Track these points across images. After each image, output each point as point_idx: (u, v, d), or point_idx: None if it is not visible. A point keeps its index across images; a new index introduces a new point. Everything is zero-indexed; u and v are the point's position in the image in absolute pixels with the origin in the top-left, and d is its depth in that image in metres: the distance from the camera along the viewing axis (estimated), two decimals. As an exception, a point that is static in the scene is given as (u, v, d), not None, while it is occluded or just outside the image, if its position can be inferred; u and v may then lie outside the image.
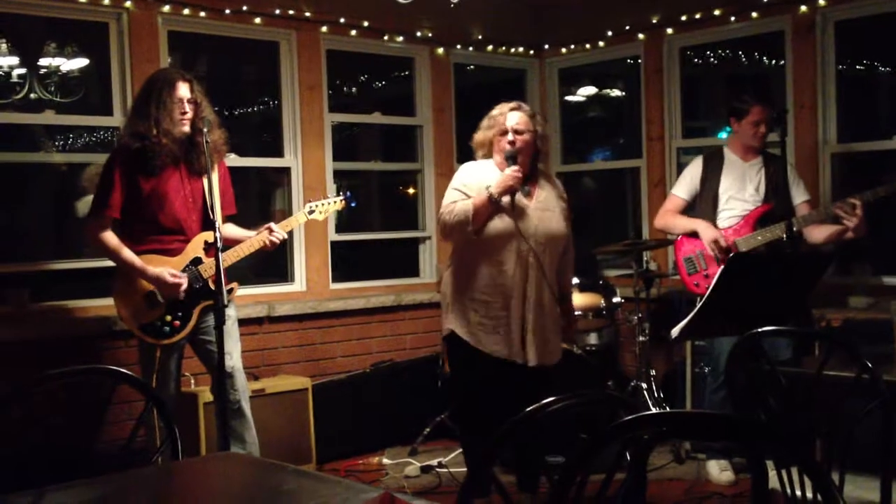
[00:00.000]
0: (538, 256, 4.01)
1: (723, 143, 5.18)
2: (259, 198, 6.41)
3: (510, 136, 4.01)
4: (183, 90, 4.03)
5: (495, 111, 4.12)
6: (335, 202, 4.43)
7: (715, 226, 4.80)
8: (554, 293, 4.11)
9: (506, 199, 3.94)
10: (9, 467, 2.33)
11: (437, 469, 5.11)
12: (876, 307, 4.95)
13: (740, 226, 4.78)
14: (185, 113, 4.02)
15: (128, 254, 4.03)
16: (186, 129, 4.01)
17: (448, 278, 4.18)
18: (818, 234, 4.68)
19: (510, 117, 4.05)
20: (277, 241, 4.20)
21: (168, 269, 4.03)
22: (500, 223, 3.98)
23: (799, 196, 4.81)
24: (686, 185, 5.00)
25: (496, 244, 3.99)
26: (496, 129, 4.07)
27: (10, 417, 2.39)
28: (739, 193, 4.83)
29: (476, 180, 4.05)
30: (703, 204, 4.91)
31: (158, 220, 4.06)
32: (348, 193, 4.50)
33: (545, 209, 4.08)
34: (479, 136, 4.16)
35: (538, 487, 4.22)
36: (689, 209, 5.00)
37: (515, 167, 3.95)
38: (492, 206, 3.94)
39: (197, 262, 4.11)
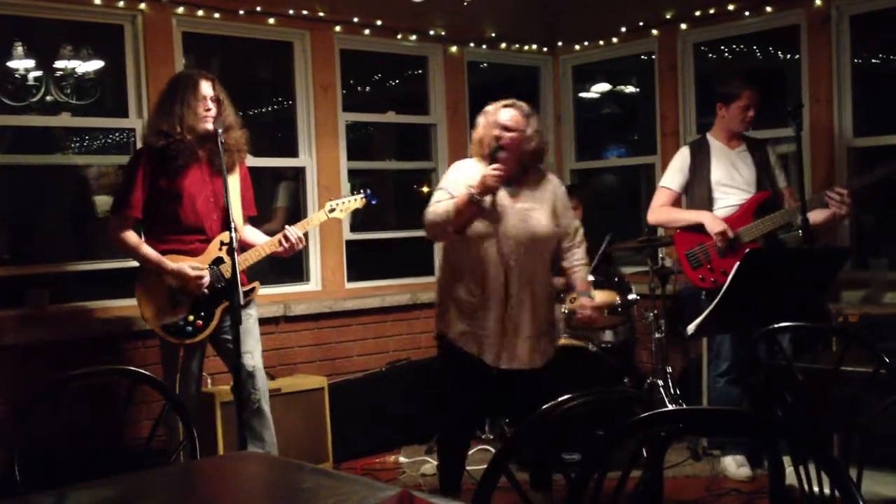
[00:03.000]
0: (519, 258, 3.93)
1: None
2: (270, 194, 6.42)
3: (496, 132, 3.94)
4: (206, 88, 4.07)
5: (490, 107, 4.06)
6: (355, 200, 4.42)
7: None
8: (544, 293, 4.05)
9: (487, 198, 3.87)
10: (31, 467, 2.35)
11: (454, 467, 5.11)
12: (869, 300, 4.93)
13: (738, 215, 4.73)
14: (208, 110, 4.05)
15: (147, 250, 4.06)
16: (210, 126, 4.03)
17: (438, 278, 4.19)
18: (815, 216, 4.65)
19: (502, 114, 3.98)
20: (293, 241, 4.19)
21: (188, 263, 4.05)
22: (480, 225, 3.92)
23: (782, 181, 4.80)
24: (676, 176, 4.94)
25: (477, 245, 3.93)
26: (487, 125, 4.01)
27: (33, 418, 2.41)
28: (732, 181, 4.79)
29: (461, 179, 3.99)
30: (697, 195, 4.86)
31: (179, 219, 4.08)
32: (368, 191, 4.45)
33: (530, 209, 4.00)
34: (477, 133, 4.08)
35: (552, 485, 4.22)
36: (679, 200, 4.96)
37: (495, 165, 3.83)
38: (473, 205, 3.85)
39: (219, 262, 4.13)
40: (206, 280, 4.06)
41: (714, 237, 4.68)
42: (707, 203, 4.80)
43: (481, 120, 4.07)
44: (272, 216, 5.88)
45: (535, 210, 4.01)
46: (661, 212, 4.99)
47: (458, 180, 4.01)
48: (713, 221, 4.71)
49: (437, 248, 6.48)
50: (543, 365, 4.05)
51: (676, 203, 4.95)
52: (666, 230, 6.12)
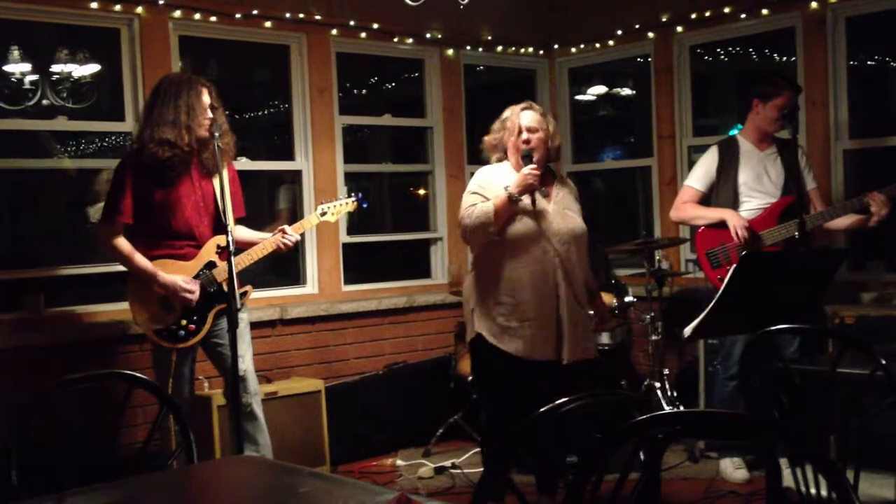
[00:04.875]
0: (562, 256, 3.99)
1: None
2: (268, 197, 6.43)
3: (524, 135, 4.03)
4: (206, 96, 4.06)
5: (507, 113, 4.14)
6: (347, 203, 4.45)
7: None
8: (584, 291, 4.11)
9: (526, 198, 3.93)
10: (28, 472, 2.35)
11: (451, 470, 5.12)
12: (884, 302, 4.93)
13: (763, 217, 4.73)
14: (208, 118, 4.04)
15: (141, 260, 4.03)
16: (207, 133, 4.03)
17: (471, 282, 4.16)
18: (840, 222, 4.66)
19: (523, 116, 4.08)
20: (291, 244, 4.22)
21: (182, 277, 4.04)
22: (521, 225, 3.97)
23: (810, 182, 4.80)
24: (702, 175, 4.92)
25: (520, 245, 3.97)
26: (509, 130, 4.08)
27: (29, 422, 2.40)
28: (759, 184, 4.77)
29: (493, 183, 4.05)
30: (723, 195, 4.84)
31: (170, 226, 4.07)
32: (360, 195, 4.51)
33: (565, 208, 4.09)
34: (491, 138, 4.19)
35: (557, 488, 4.21)
36: (705, 200, 4.96)
37: (533, 165, 3.93)
38: (512, 205, 3.92)
39: (211, 265, 4.12)
40: (196, 296, 4.06)
41: (736, 232, 4.64)
42: (732, 204, 4.79)
43: (498, 125, 4.15)
44: (275, 217, 5.89)
45: (569, 209, 4.11)
46: (683, 209, 4.97)
47: (487, 184, 4.07)
48: (735, 218, 4.69)
49: (435, 251, 6.48)
50: (588, 359, 4.10)
51: (700, 202, 4.93)
52: (663, 232, 6.14)
